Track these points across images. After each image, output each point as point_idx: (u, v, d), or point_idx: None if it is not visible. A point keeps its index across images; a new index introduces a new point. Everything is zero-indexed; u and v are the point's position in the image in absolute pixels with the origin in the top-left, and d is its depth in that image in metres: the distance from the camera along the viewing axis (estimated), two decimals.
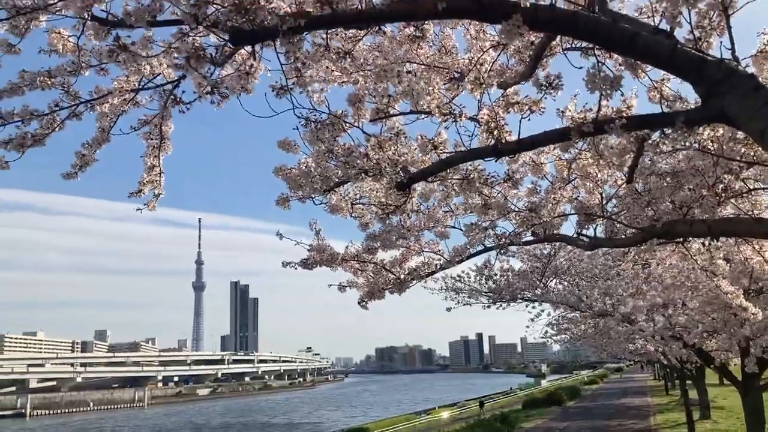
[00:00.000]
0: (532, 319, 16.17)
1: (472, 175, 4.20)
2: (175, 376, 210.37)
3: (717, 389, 42.38)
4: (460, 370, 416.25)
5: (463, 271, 16.79)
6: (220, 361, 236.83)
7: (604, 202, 5.23)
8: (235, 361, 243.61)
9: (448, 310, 16.62)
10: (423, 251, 6.58)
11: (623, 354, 46.21)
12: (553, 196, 5.37)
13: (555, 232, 6.03)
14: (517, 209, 5.63)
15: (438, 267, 6.51)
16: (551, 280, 16.42)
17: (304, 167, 4.53)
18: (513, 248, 17.58)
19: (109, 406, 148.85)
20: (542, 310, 16.44)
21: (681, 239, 5.06)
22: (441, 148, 3.99)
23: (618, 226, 5.16)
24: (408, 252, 6.54)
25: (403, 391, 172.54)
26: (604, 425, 33.81)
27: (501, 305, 17.45)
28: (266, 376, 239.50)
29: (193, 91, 3.61)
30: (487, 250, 6.45)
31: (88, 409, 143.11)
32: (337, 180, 4.35)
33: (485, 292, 16.71)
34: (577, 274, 16.06)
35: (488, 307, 17.37)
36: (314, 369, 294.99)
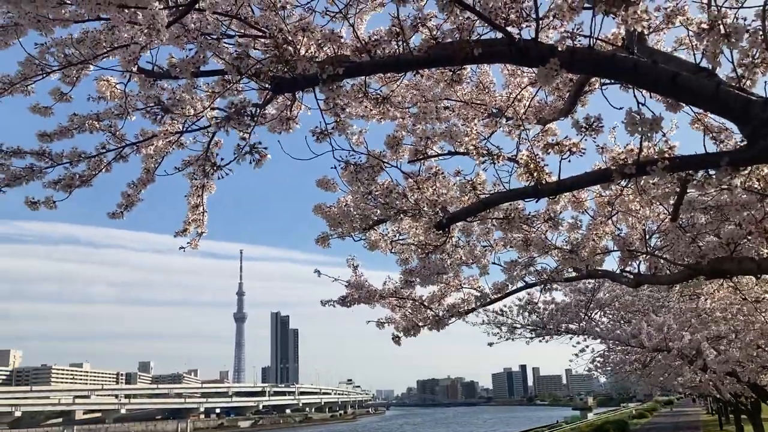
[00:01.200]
0: (577, 355, 15.81)
1: (512, 215, 4.17)
2: (217, 407, 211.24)
3: None
4: (503, 402, 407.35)
5: (505, 305, 16.56)
6: (261, 393, 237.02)
7: (647, 237, 5.13)
8: (276, 393, 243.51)
9: (490, 345, 16.37)
10: (462, 287, 6.53)
11: (673, 387, 44.71)
12: (594, 232, 5.29)
13: (597, 268, 5.93)
14: (557, 247, 5.57)
15: (478, 303, 6.45)
16: (595, 313, 16.06)
17: (343, 206, 4.57)
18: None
19: None
20: (587, 346, 16.08)
21: (728, 275, 4.92)
22: (480, 188, 3.98)
23: (662, 262, 5.04)
24: (447, 288, 6.50)
25: (445, 424, 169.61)
26: None
27: (544, 338, 17.10)
28: (307, 409, 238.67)
29: (233, 152, 3.70)
30: (528, 286, 6.38)
31: None
32: (375, 219, 4.37)
33: (527, 326, 16.40)
34: (622, 306, 15.70)
35: (530, 340, 17.04)
36: (355, 401, 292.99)
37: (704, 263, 4.48)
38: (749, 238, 4.19)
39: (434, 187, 3.93)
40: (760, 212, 4.17)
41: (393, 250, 5.18)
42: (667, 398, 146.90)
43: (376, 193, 3.92)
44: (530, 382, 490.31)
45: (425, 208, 3.86)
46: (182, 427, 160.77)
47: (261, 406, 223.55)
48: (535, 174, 3.67)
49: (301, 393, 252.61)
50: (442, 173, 4.01)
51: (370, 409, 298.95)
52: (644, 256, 5.13)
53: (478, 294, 6.52)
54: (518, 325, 16.42)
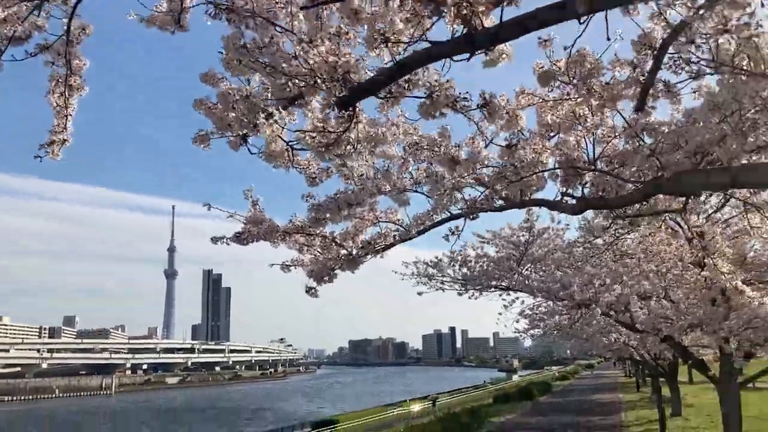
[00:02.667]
0: (506, 306, 15.35)
1: (437, 91, 3.22)
2: (144, 364, 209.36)
3: (686, 387, 42.20)
4: (432, 363, 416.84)
5: (436, 257, 15.94)
6: (190, 350, 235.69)
7: (596, 152, 4.32)
8: (206, 351, 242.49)
9: (419, 294, 15.74)
10: (379, 221, 5.63)
11: (596, 350, 45.90)
12: (533, 147, 4.45)
13: (533, 196, 5.11)
14: (490, 165, 4.72)
15: (396, 238, 5.57)
16: (527, 269, 15.62)
17: (229, 94, 3.54)
18: (487, 234, 16.80)
19: (75, 394, 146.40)
20: (516, 298, 15.63)
21: (688, 197, 4.19)
22: (395, 41, 3.01)
23: (611, 181, 4.26)
24: (362, 223, 5.59)
25: (375, 383, 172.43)
26: (575, 421, 33.24)
27: (474, 294, 16.60)
28: (237, 366, 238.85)
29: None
30: (453, 218, 5.51)
31: (53, 396, 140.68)
32: (264, 107, 3.36)
33: (459, 279, 15.85)
34: (554, 262, 15.30)
35: (461, 294, 16.50)
36: (286, 360, 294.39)
37: (665, 178, 3.72)
38: (723, 142, 3.44)
39: (332, 45, 2.93)
40: (735, 116, 3.40)
41: (294, 161, 4.19)
42: (587, 362, 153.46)
43: (252, 49, 2.91)
44: (459, 344, 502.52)
45: (323, 75, 2.88)
46: (107, 382, 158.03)
47: (190, 363, 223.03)
48: (467, 15, 2.74)
49: (232, 351, 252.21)
50: (346, 33, 3.01)
51: (301, 368, 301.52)
52: (591, 174, 4.33)
53: (398, 228, 5.63)
54: (448, 278, 15.84)
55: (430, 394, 76.70)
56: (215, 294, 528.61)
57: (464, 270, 15.65)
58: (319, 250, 5.59)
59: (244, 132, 3.67)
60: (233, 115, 3.52)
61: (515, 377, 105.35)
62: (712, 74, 3.34)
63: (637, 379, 64.14)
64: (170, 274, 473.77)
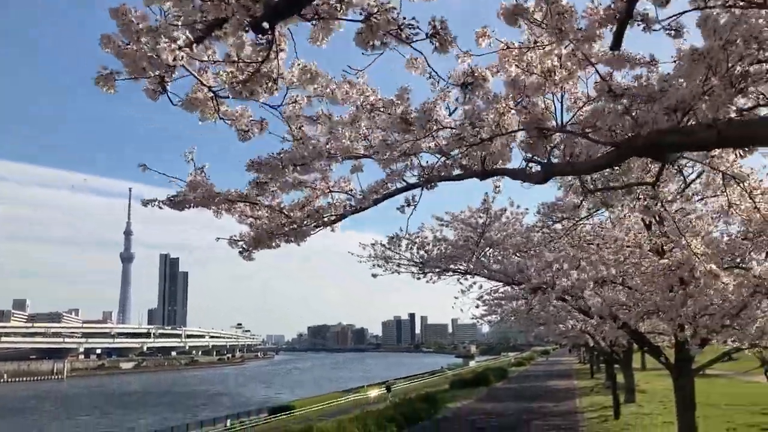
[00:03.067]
0: (463, 291, 15.00)
1: (375, 15, 2.67)
2: (98, 348, 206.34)
3: (639, 374, 42.85)
4: (391, 349, 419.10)
5: (393, 239, 15.42)
6: (146, 335, 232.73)
7: (566, 117, 3.85)
8: (162, 336, 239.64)
9: (374, 276, 15.26)
10: (331, 191, 5.11)
11: (551, 336, 46.37)
12: (496, 105, 3.96)
13: (495, 165, 4.65)
14: (446, 126, 4.22)
15: (348, 209, 5.05)
16: (486, 252, 15.28)
17: (130, 22, 2.93)
18: (446, 217, 16.39)
19: (24, 378, 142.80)
20: (474, 282, 15.30)
21: (663, 164, 3.76)
22: None
23: (581, 144, 3.80)
24: (312, 193, 5.06)
25: (333, 369, 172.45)
26: (530, 407, 33.42)
27: (432, 277, 16.20)
28: (194, 352, 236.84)
29: None
30: (409, 187, 5.01)
31: (1, 380, 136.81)
32: (177, 36, 2.77)
33: (416, 262, 15.43)
34: (512, 246, 14.99)
35: (419, 278, 16.09)
36: (244, 345, 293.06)
37: (641, 137, 3.27)
38: (707, 98, 2.99)
39: None
40: (723, 64, 2.95)
41: (219, 110, 3.60)
42: (543, 348, 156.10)
43: None
44: (418, 331, 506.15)
45: None
46: (58, 367, 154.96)
47: (145, 348, 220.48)
48: None
49: (189, 336, 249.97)
50: None
51: (259, 354, 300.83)
52: (560, 136, 3.87)
53: (350, 198, 5.11)
54: (404, 261, 15.40)
55: (387, 380, 76.89)
56: (172, 279, 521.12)
57: (422, 253, 15.25)
58: (266, 222, 5.04)
59: (160, 74, 3.07)
60: (142, 50, 2.92)
61: (472, 363, 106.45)
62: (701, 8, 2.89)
63: (592, 366, 65.21)
64: (126, 258, 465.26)
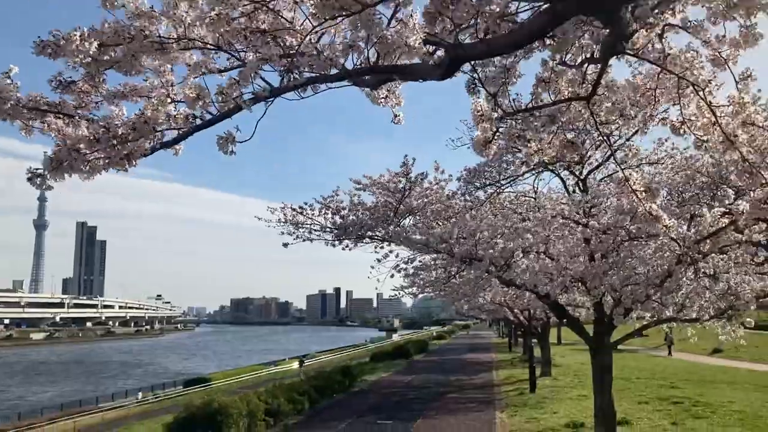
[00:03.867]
0: (379, 260, 14.07)
1: None
2: (6, 318, 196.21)
3: (554, 348, 43.62)
4: (316, 323, 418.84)
5: (306, 203, 14.32)
6: (59, 305, 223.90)
7: None
8: (77, 306, 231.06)
9: (285, 245, 14.09)
10: (174, 101, 3.74)
11: (472, 310, 46.66)
12: None
13: (396, 63, 3.49)
14: None
15: (191, 120, 3.69)
16: (406, 218, 14.41)
17: None
18: (365, 180, 15.40)
19: None
20: (391, 251, 14.38)
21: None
22: None
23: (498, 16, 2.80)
24: (147, 103, 3.68)
25: (255, 342, 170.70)
26: (447, 380, 33.28)
27: (348, 245, 15.21)
28: (110, 323, 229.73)
29: None
30: (274, 94, 3.67)
31: None
32: None
33: (331, 229, 14.37)
34: (433, 213, 14.18)
35: (334, 245, 15.04)
36: (164, 317, 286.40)
37: None
38: None
39: None
40: None
41: None
42: (464, 323, 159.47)
43: None
44: (343, 305, 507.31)
45: None
46: None
47: (59, 319, 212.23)
48: None
49: (105, 306, 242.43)
50: None
51: (179, 326, 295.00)
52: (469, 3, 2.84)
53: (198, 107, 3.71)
54: (317, 227, 14.32)
55: (307, 353, 76.11)
56: (89, 248, 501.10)
57: (337, 219, 14.20)
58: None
59: None
60: None
61: (395, 336, 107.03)
62: None
63: (510, 340, 66.56)
64: (40, 225, 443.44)
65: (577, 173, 14.14)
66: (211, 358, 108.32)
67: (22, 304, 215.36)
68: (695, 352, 49.71)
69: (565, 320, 15.19)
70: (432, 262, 14.72)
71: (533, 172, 14.80)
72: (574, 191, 14.73)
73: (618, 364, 35.05)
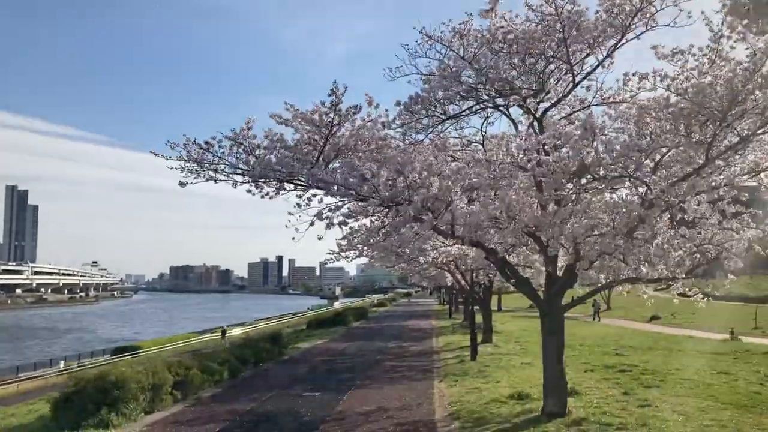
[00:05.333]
0: (299, 205, 11.84)
1: None
2: None
3: (494, 315, 42.54)
4: (257, 291, 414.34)
5: (213, 138, 11.90)
6: None
7: None
8: (5, 272, 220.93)
9: (182, 185, 11.65)
10: None
11: (412, 277, 45.11)
12: None
13: None
14: None
15: None
16: (333, 160, 12.22)
17: None
18: (287, 114, 13.13)
19: None
20: (313, 195, 12.18)
21: None
22: None
23: None
24: None
25: (194, 310, 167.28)
26: (385, 347, 31.56)
27: (268, 192, 12.92)
28: (42, 290, 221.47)
29: None
30: None
31: None
32: None
33: (243, 169, 12.03)
34: (365, 155, 12.06)
35: (252, 193, 12.71)
36: (99, 284, 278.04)
37: None
38: None
39: None
40: None
41: None
42: (406, 291, 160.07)
43: None
44: (285, 273, 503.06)
45: None
46: None
47: None
48: None
49: (36, 273, 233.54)
50: None
51: (116, 293, 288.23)
52: None
53: None
54: (226, 166, 11.94)
55: (245, 321, 73.73)
56: (20, 212, 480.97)
57: (251, 159, 11.86)
58: None
59: None
60: None
61: (336, 304, 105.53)
62: None
63: (450, 307, 65.72)
64: None
65: (533, 110, 12.15)
66: (147, 326, 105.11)
67: None
68: (633, 319, 49.83)
69: (513, 281, 13.37)
70: (359, 208, 12.46)
71: (481, 108, 12.83)
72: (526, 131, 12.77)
73: (538, 327, 34.20)
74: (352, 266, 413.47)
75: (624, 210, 9.21)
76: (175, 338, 53.22)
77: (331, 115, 11.58)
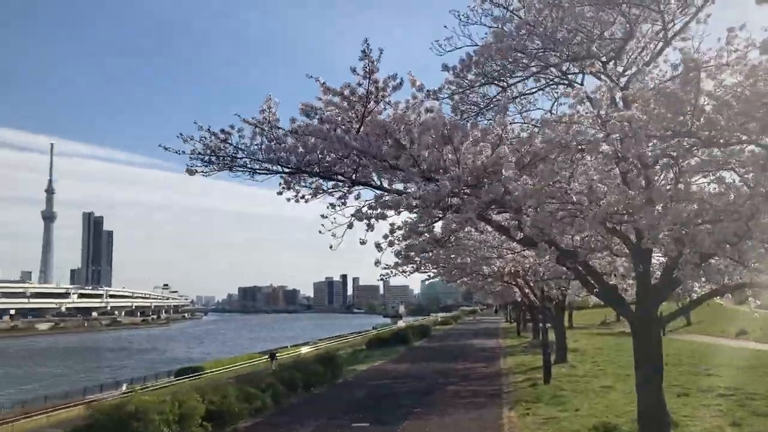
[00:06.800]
0: (334, 205, 9.84)
1: None
2: (12, 309, 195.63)
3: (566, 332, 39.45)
4: (323, 310, 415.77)
5: (232, 126, 10.09)
6: (65, 295, 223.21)
7: None
8: (83, 296, 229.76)
9: (191, 173, 9.72)
10: None
11: (476, 292, 42.65)
12: None
13: None
14: None
15: None
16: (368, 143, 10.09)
17: None
18: (319, 102, 11.22)
19: None
20: (348, 192, 10.11)
21: None
22: None
23: None
24: None
25: (261, 330, 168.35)
26: (448, 368, 29.10)
27: (303, 195, 10.99)
28: (116, 312, 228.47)
29: None
30: None
31: None
32: None
33: (267, 159, 10.10)
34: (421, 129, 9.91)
35: (280, 192, 10.82)
36: (170, 306, 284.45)
37: None
38: None
39: None
40: None
41: None
42: (471, 308, 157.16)
43: None
44: (350, 292, 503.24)
45: None
46: None
47: (64, 309, 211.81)
48: None
49: (111, 296, 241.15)
50: None
51: (186, 315, 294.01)
52: None
53: None
54: (244, 156, 10.03)
55: (308, 341, 72.53)
56: (96, 238, 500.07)
57: (273, 144, 9.93)
58: None
59: None
60: None
61: (400, 323, 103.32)
62: None
63: (518, 324, 62.42)
64: (48, 217, 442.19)
65: (615, 78, 9.80)
66: (214, 347, 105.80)
67: (28, 294, 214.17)
68: (714, 334, 45.15)
69: (596, 290, 10.91)
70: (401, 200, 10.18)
71: (547, 81, 10.54)
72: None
73: (624, 345, 30.85)
74: (416, 285, 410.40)
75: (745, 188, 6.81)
76: (237, 359, 52.42)
77: (365, 85, 9.45)
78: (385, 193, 9.70)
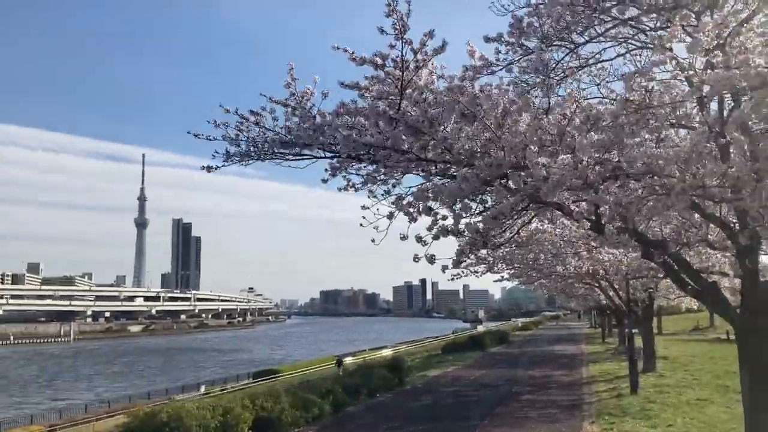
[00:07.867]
0: (373, 193, 8.54)
1: None
2: (106, 312, 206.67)
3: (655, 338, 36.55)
4: (402, 314, 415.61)
5: (264, 107, 8.94)
6: (155, 298, 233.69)
7: None
8: (171, 299, 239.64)
9: (208, 169, 8.65)
10: None
11: (558, 296, 40.39)
12: None
13: None
14: None
15: None
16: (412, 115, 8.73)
17: None
18: (363, 82, 9.97)
19: (31, 340, 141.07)
20: (387, 178, 8.86)
21: None
22: None
23: None
24: None
25: (341, 333, 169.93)
26: (524, 375, 27.26)
27: (352, 182, 9.83)
28: (203, 315, 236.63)
29: None
30: None
31: (8, 342, 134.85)
32: None
33: (293, 138, 8.89)
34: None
35: (325, 180, 9.71)
36: (255, 309, 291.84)
37: None
38: None
39: None
40: None
41: None
42: (553, 314, 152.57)
43: None
44: (429, 296, 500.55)
45: None
46: (65, 329, 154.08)
47: (154, 312, 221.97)
48: None
49: (199, 299, 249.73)
50: None
51: (270, 318, 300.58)
52: None
53: None
54: (273, 135, 8.88)
55: (385, 344, 71.74)
56: (185, 244, 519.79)
57: (303, 122, 8.76)
58: None
59: None
60: None
61: (480, 327, 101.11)
62: None
63: (603, 330, 59.23)
64: (141, 224, 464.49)
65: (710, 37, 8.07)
66: (295, 348, 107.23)
67: (121, 298, 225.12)
68: None
69: (691, 288, 9.14)
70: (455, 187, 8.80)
71: (624, 37, 8.87)
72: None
73: (726, 353, 27.82)
74: (496, 290, 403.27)
75: None
76: (314, 362, 52.13)
77: (399, 47, 7.93)
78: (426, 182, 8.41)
